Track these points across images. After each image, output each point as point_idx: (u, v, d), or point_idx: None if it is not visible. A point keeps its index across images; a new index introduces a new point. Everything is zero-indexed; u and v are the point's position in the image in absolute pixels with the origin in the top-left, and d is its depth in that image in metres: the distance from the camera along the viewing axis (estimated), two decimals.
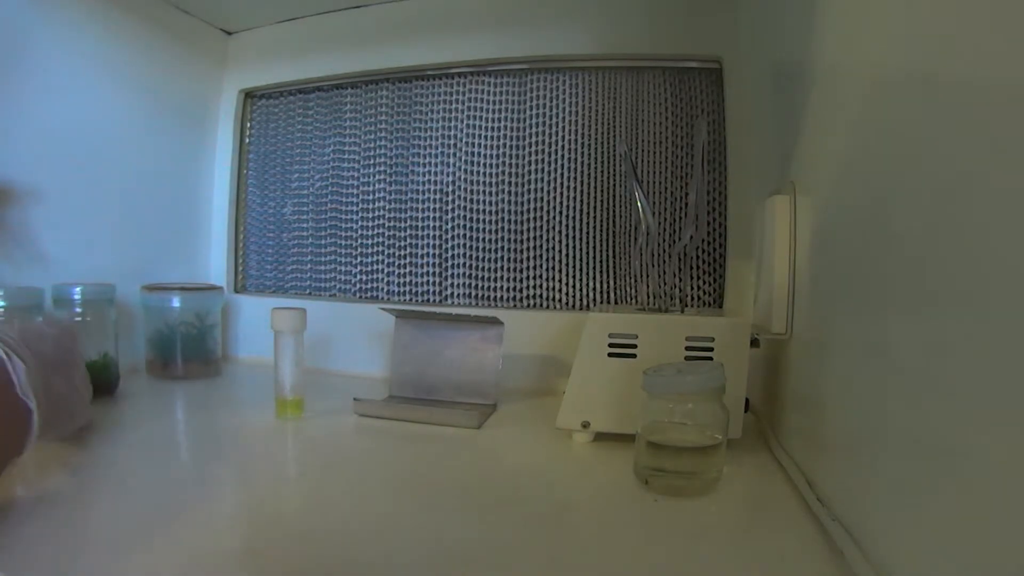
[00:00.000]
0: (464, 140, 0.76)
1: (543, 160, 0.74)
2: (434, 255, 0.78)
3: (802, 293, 0.45)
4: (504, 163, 0.75)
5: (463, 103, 0.77)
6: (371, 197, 0.80)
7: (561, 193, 0.73)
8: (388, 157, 0.80)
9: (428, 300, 0.78)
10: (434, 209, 0.77)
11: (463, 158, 0.76)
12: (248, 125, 0.87)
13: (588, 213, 0.72)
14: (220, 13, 0.81)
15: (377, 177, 0.80)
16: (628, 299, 0.71)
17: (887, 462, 0.28)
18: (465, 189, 0.76)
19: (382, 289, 0.80)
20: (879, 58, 0.31)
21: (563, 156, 0.73)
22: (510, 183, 0.75)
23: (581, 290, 0.72)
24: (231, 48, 0.86)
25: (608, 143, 0.72)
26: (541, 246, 0.73)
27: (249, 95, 0.87)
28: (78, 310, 0.61)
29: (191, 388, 0.68)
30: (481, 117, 0.76)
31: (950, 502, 0.22)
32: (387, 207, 0.79)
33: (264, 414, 0.57)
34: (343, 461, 0.46)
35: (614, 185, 0.72)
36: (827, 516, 0.33)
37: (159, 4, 0.75)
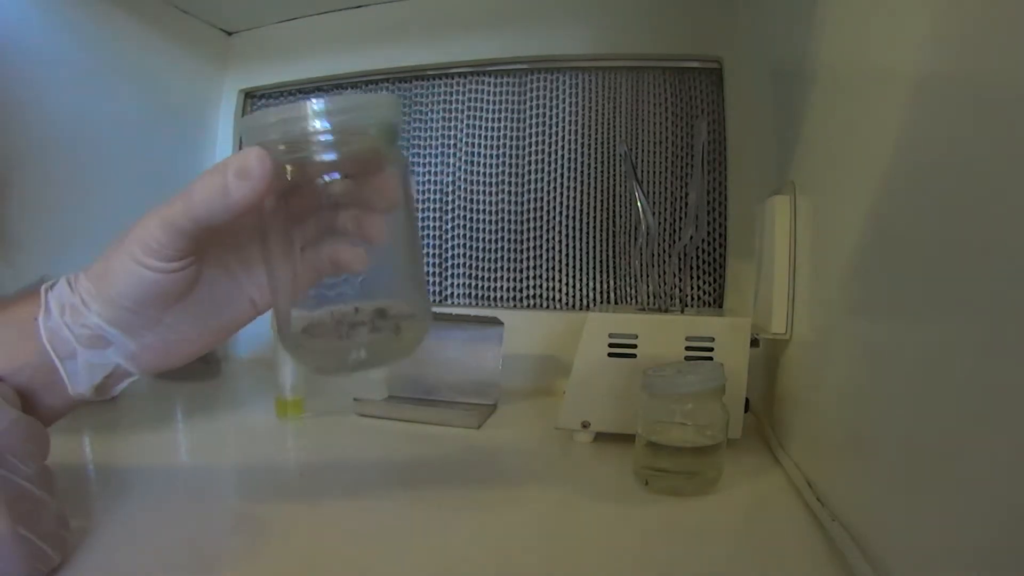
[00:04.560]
0: (464, 140, 0.76)
1: (543, 160, 0.74)
2: (434, 255, 0.78)
3: (802, 293, 0.45)
4: (504, 163, 0.75)
5: (463, 103, 0.77)
6: None
7: (561, 193, 0.73)
8: None
9: None
10: (434, 209, 0.77)
11: (463, 158, 0.76)
12: None
13: (588, 213, 0.72)
14: (220, 13, 0.81)
15: None
16: (628, 299, 0.71)
17: (887, 462, 0.28)
18: (465, 189, 0.76)
19: None
20: (879, 58, 0.31)
21: (563, 156, 0.73)
22: (510, 183, 0.75)
23: (581, 290, 0.72)
24: (231, 48, 0.86)
25: (608, 143, 0.72)
26: (541, 246, 0.73)
27: (249, 95, 0.87)
28: None
29: (191, 388, 0.68)
30: (481, 117, 0.76)
31: (950, 502, 0.22)
32: None
33: (264, 414, 0.57)
34: (343, 461, 0.46)
35: (614, 185, 0.72)
36: (827, 516, 0.33)
37: (159, 4, 0.75)
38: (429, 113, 0.78)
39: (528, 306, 0.74)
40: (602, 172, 0.72)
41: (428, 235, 0.78)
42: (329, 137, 0.24)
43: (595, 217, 0.72)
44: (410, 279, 0.29)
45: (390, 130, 0.26)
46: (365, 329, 0.28)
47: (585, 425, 0.49)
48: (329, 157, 0.25)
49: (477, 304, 0.76)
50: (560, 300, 0.73)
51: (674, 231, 0.69)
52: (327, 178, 0.26)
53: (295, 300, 0.28)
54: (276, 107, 0.25)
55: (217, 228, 0.27)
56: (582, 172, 0.72)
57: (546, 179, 0.74)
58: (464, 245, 0.76)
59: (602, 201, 0.72)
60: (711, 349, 0.47)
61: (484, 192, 0.76)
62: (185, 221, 0.26)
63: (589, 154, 0.72)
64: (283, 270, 0.28)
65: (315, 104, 0.24)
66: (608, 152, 0.72)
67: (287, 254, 0.28)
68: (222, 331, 0.32)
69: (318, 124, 0.24)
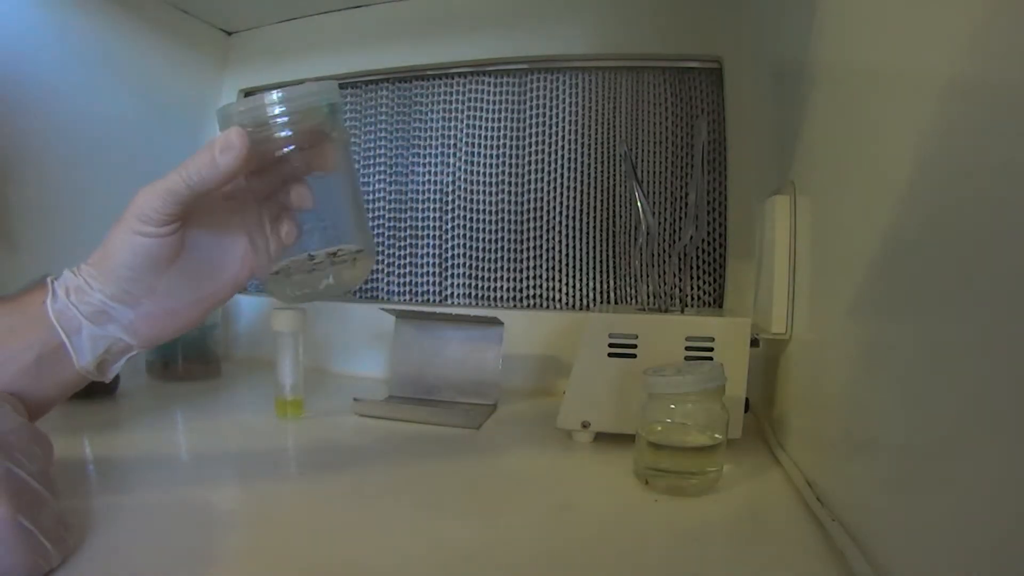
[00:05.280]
0: (464, 140, 0.76)
1: (543, 160, 0.74)
2: (434, 255, 0.78)
3: (802, 293, 0.45)
4: (504, 163, 0.75)
5: (463, 103, 0.77)
6: (371, 197, 0.80)
7: (561, 193, 0.73)
8: (388, 157, 0.80)
9: (428, 300, 0.78)
10: (434, 209, 0.77)
11: (463, 158, 0.76)
12: None
13: (588, 213, 0.72)
14: (220, 13, 0.81)
15: (377, 177, 0.80)
16: (628, 299, 0.71)
17: (887, 462, 0.28)
18: (465, 189, 0.76)
19: (382, 289, 0.80)
20: (879, 58, 0.31)
21: (563, 156, 0.73)
22: (510, 183, 0.75)
23: (581, 290, 0.72)
24: (231, 48, 0.86)
25: (608, 143, 0.72)
26: (541, 246, 0.73)
27: (249, 95, 0.87)
28: None
29: (191, 389, 0.68)
30: (481, 117, 0.76)
31: (950, 502, 0.22)
32: (387, 207, 0.79)
33: (264, 414, 0.57)
34: (343, 461, 0.46)
35: (614, 185, 0.72)
36: (827, 516, 0.33)
37: (159, 4, 0.75)
38: (429, 113, 0.78)
39: (528, 306, 0.74)
40: (602, 172, 0.72)
41: (428, 235, 0.78)
42: (285, 118, 0.32)
43: (595, 217, 0.72)
44: (356, 226, 0.36)
45: (332, 109, 0.34)
46: (328, 262, 0.35)
47: (585, 425, 0.49)
48: (286, 133, 0.32)
49: (477, 304, 0.76)
50: (560, 300, 0.73)
51: (674, 231, 0.69)
52: (287, 149, 0.33)
53: (272, 259, 0.35)
54: (244, 99, 0.33)
55: (203, 198, 0.32)
56: (582, 172, 0.72)
57: (546, 179, 0.74)
58: (464, 245, 0.76)
59: (602, 201, 0.72)
60: (711, 349, 0.47)
61: (484, 192, 0.76)
62: (182, 188, 0.31)
63: (589, 154, 0.72)
64: (259, 237, 0.35)
65: (273, 95, 0.32)
66: (608, 152, 0.72)
67: (260, 227, 0.35)
68: (206, 302, 0.37)
69: (276, 109, 0.32)
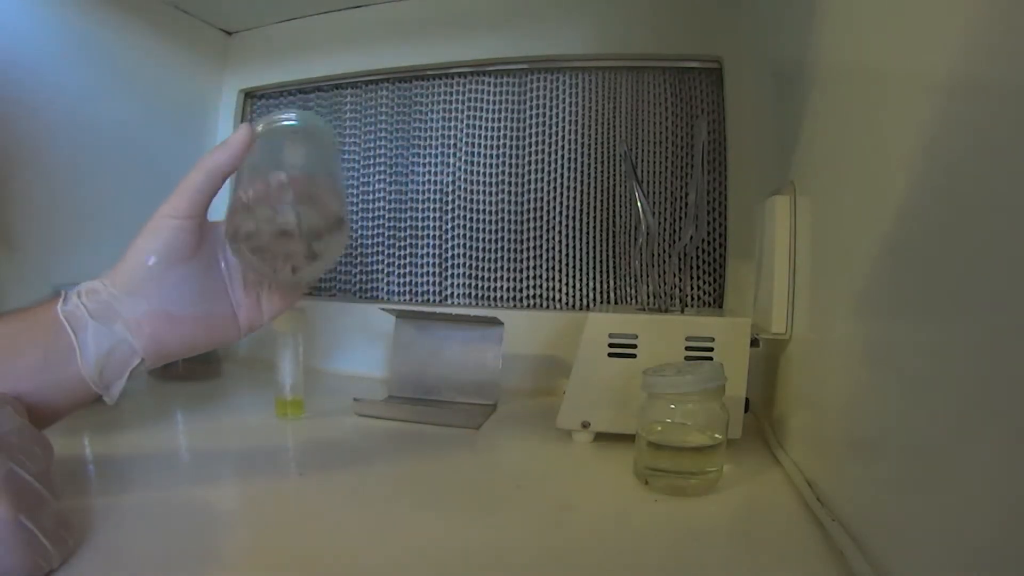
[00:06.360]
0: (464, 140, 0.76)
1: (543, 160, 0.74)
2: (434, 255, 0.78)
3: (802, 293, 0.45)
4: (504, 163, 0.75)
5: (463, 103, 0.77)
6: (371, 197, 0.80)
7: (561, 193, 0.73)
8: (388, 157, 0.80)
9: (428, 300, 0.78)
10: (434, 209, 0.77)
11: (463, 158, 0.76)
12: None
13: (588, 213, 0.72)
14: (220, 13, 0.81)
15: (377, 177, 0.80)
16: (628, 299, 0.71)
17: (887, 462, 0.28)
18: (465, 189, 0.76)
19: (382, 289, 0.80)
20: (879, 58, 0.31)
21: (563, 156, 0.73)
22: (510, 183, 0.75)
23: (581, 290, 0.72)
24: (231, 48, 0.86)
25: (608, 143, 0.72)
26: (541, 246, 0.73)
27: (249, 95, 0.87)
28: None
29: (192, 388, 0.68)
30: (481, 117, 0.76)
31: (950, 502, 0.22)
32: (387, 207, 0.79)
33: (264, 414, 0.57)
34: (343, 461, 0.46)
35: (614, 185, 0.72)
36: (827, 516, 0.33)
37: (159, 4, 0.75)
38: (429, 113, 0.78)
39: (528, 306, 0.74)
40: (602, 172, 0.72)
41: (428, 235, 0.78)
42: (293, 116, 0.41)
43: (595, 217, 0.72)
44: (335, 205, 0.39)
45: (331, 133, 0.43)
46: (297, 245, 0.37)
47: (585, 425, 0.49)
48: (292, 122, 0.40)
49: (477, 304, 0.76)
50: (560, 300, 0.73)
51: (674, 231, 0.69)
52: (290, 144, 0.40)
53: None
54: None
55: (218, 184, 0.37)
56: (582, 172, 0.72)
57: (546, 179, 0.74)
58: (464, 245, 0.76)
59: (602, 201, 0.72)
60: (711, 349, 0.47)
61: (484, 192, 0.76)
62: (200, 177, 0.36)
63: (589, 154, 0.72)
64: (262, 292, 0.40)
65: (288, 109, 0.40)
66: (608, 152, 0.72)
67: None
68: (210, 328, 0.39)
69: (286, 114, 0.41)
